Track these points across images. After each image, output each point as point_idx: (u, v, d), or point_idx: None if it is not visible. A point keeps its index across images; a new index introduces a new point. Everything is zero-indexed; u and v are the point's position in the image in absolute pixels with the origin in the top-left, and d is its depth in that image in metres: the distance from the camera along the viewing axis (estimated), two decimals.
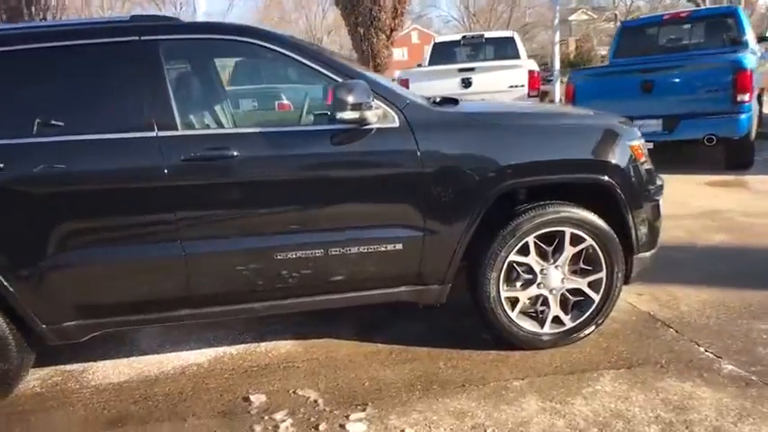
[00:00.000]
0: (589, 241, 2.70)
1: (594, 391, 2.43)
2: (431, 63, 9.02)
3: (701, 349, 2.71)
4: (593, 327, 2.79)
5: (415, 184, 2.52)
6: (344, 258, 2.55)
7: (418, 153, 2.50)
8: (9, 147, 2.34)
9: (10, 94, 2.39)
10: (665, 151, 6.19)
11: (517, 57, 8.50)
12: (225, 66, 3.85)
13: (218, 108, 2.74)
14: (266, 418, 2.38)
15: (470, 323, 3.00)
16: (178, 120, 2.42)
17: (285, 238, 2.51)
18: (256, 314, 2.68)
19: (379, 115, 2.48)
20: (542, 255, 2.71)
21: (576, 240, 2.70)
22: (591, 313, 2.78)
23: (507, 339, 2.76)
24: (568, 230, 2.67)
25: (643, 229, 2.77)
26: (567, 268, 2.73)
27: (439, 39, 10.02)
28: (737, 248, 4.10)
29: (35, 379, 2.82)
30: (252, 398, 2.53)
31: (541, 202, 2.67)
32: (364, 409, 2.39)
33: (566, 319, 2.77)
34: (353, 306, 2.80)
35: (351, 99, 2.29)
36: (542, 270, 2.71)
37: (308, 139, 2.51)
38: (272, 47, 2.50)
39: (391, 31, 12.96)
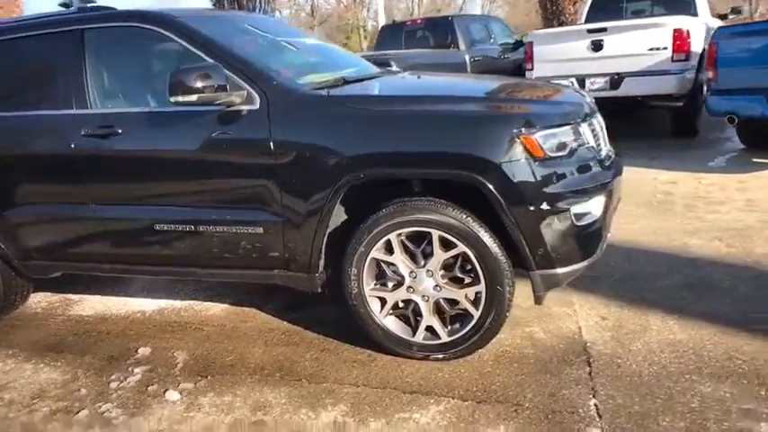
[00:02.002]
0: (462, 247, 2.30)
1: (407, 418, 2.14)
2: (587, 21, 7.96)
3: (591, 402, 2.14)
4: (471, 345, 2.41)
5: (270, 170, 2.46)
6: (213, 236, 2.64)
7: (271, 137, 2.43)
8: None
9: None
10: None
11: (692, 12, 6.97)
12: None
13: (123, 89, 2.98)
14: (129, 369, 2.67)
15: None
16: (89, 99, 2.76)
17: (161, 211, 2.70)
18: (149, 275, 2.96)
19: (242, 97, 2.47)
20: (413, 256, 2.41)
21: (447, 244, 2.33)
22: (470, 330, 2.39)
23: (375, 340, 2.55)
24: (436, 232, 2.32)
25: (543, 240, 2.25)
26: (440, 274, 2.39)
27: None
28: None
29: (40, 301, 3.57)
30: (140, 350, 2.84)
31: (405, 198, 2.36)
32: (198, 382, 2.51)
33: (442, 331, 2.44)
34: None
35: (188, 83, 2.33)
36: (412, 273, 2.42)
37: (175, 119, 2.61)
38: (165, 32, 2.64)
39: None
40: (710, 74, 5.13)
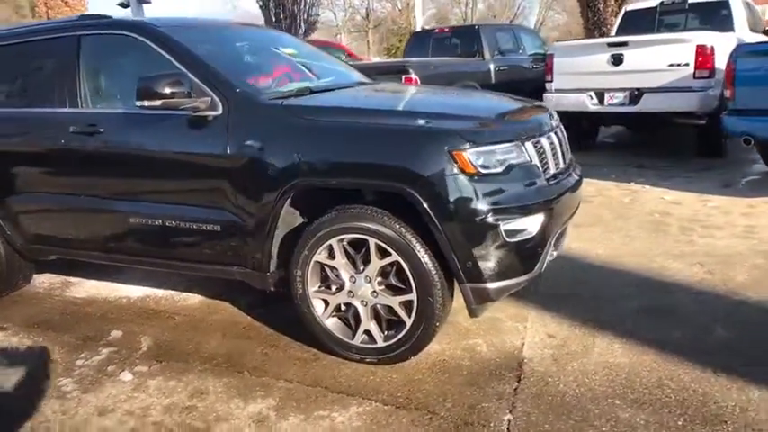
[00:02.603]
0: (395, 256, 2.38)
1: (325, 416, 2.24)
2: (618, 33, 7.80)
3: (506, 417, 2.17)
4: (403, 352, 2.48)
5: (226, 172, 2.61)
6: (179, 231, 2.82)
7: (228, 142, 2.58)
8: None
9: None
10: None
11: (728, 28, 6.72)
12: None
13: (108, 91, 3.19)
14: (98, 349, 2.87)
15: None
16: (80, 99, 3.00)
17: (135, 205, 2.91)
18: (126, 264, 3.17)
19: (206, 103, 2.64)
20: (353, 261, 2.51)
21: (383, 252, 2.41)
22: (402, 337, 2.47)
23: (319, 340, 2.66)
24: (372, 240, 2.41)
25: (472, 254, 2.30)
26: (377, 281, 2.47)
27: (631, 6, 8.45)
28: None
29: (44, 282, 3.86)
30: (113, 332, 3.05)
31: (346, 206, 2.46)
32: (152, 366, 2.69)
33: (378, 336, 2.52)
34: None
35: (148, 91, 2.52)
36: (352, 278, 2.51)
37: (149, 121, 2.80)
38: (145, 41, 2.84)
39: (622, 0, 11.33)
40: (728, 92, 4.97)
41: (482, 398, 2.30)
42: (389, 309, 2.49)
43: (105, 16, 3.19)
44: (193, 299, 3.45)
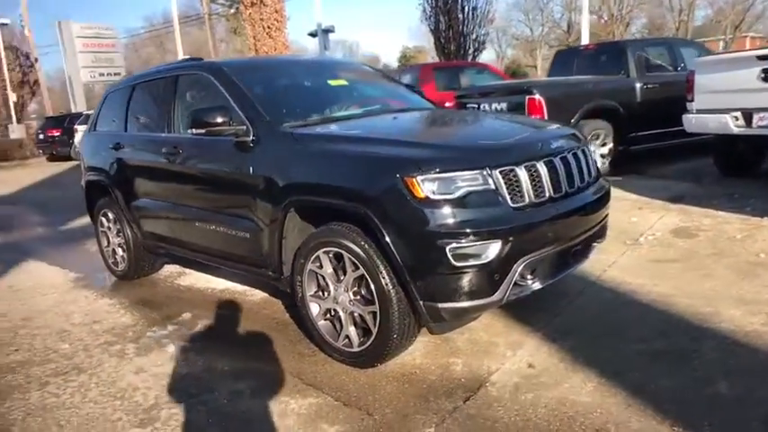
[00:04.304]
0: (362, 270, 2.64)
1: (285, 401, 2.59)
2: None
3: (427, 430, 2.29)
4: (370, 358, 2.71)
5: (250, 188, 3.12)
6: (225, 235, 3.42)
7: (251, 163, 3.09)
8: (125, 136, 4.28)
9: (135, 109, 4.31)
10: None
11: None
12: None
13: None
14: (167, 325, 3.60)
15: None
16: (173, 126, 3.80)
17: (198, 212, 3.59)
18: (197, 259, 3.87)
19: (242, 131, 3.19)
20: (337, 272, 2.82)
21: (355, 266, 2.69)
22: (369, 345, 2.71)
23: (314, 339, 3.02)
24: (346, 254, 2.70)
25: (421, 275, 2.47)
26: (352, 291, 2.75)
27: None
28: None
29: (168, 270, 4.82)
30: (185, 314, 3.77)
31: (330, 223, 2.79)
32: (194, 343, 3.31)
33: (355, 341, 2.80)
34: None
35: (198, 120, 3.15)
36: (335, 286, 2.83)
37: (207, 144, 3.44)
38: (212, 78, 3.51)
39: None
40: None
41: (420, 410, 2.43)
42: (362, 317, 2.75)
43: (196, 59, 3.98)
44: (258, 295, 4.05)
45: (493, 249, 2.44)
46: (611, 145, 7.39)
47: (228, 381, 2.83)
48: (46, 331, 3.66)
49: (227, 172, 3.33)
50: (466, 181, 2.47)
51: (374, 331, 2.67)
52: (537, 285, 2.67)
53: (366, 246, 2.60)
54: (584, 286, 3.66)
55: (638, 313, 3.20)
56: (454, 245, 2.41)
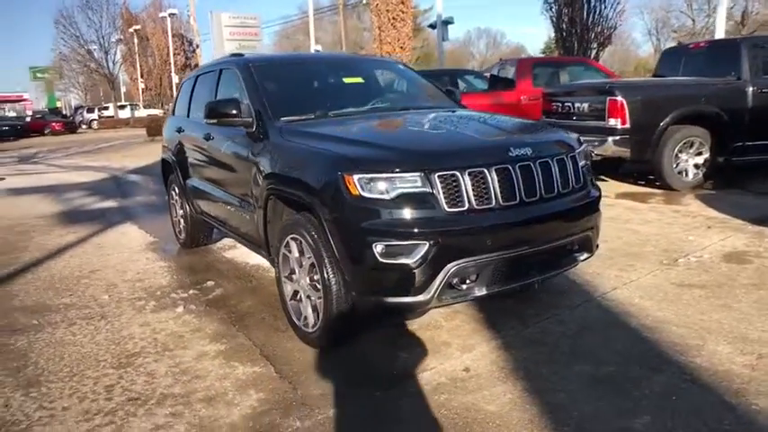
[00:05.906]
0: (313, 258, 2.84)
1: (235, 366, 2.89)
2: None
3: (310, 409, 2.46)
4: (317, 340, 2.92)
5: (250, 173, 3.45)
6: (236, 214, 3.81)
7: (252, 152, 3.42)
8: (185, 121, 4.85)
9: (195, 97, 4.85)
10: None
11: None
12: None
13: None
14: (189, 290, 4.09)
15: None
16: (191, 113, 4.27)
17: (221, 192, 4.02)
18: (223, 233, 4.29)
19: (249, 122, 3.52)
20: (300, 258, 3.05)
21: (309, 254, 2.89)
22: (316, 328, 2.92)
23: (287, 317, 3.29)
24: (303, 242, 2.92)
25: (354, 267, 2.63)
26: (308, 277, 2.96)
27: None
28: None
29: (222, 241, 5.38)
30: (209, 282, 4.25)
31: (295, 212, 3.02)
32: (202, 308, 3.75)
33: (311, 322, 3.02)
34: None
35: (212, 110, 3.53)
36: (299, 270, 3.06)
37: (224, 133, 3.83)
38: (238, 73, 3.88)
39: None
40: None
41: (341, 393, 2.59)
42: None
43: (238, 55, 4.38)
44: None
45: (420, 250, 2.52)
46: (707, 155, 6.69)
47: (204, 343, 3.20)
48: (100, 283, 4.34)
49: (237, 159, 3.69)
50: (403, 182, 2.56)
51: (321, 316, 2.87)
52: (480, 291, 2.68)
53: (316, 236, 2.80)
54: (582, 302, 3.52)
55: (615, 336, 3.03)
56: (382, 242, 2.53)
